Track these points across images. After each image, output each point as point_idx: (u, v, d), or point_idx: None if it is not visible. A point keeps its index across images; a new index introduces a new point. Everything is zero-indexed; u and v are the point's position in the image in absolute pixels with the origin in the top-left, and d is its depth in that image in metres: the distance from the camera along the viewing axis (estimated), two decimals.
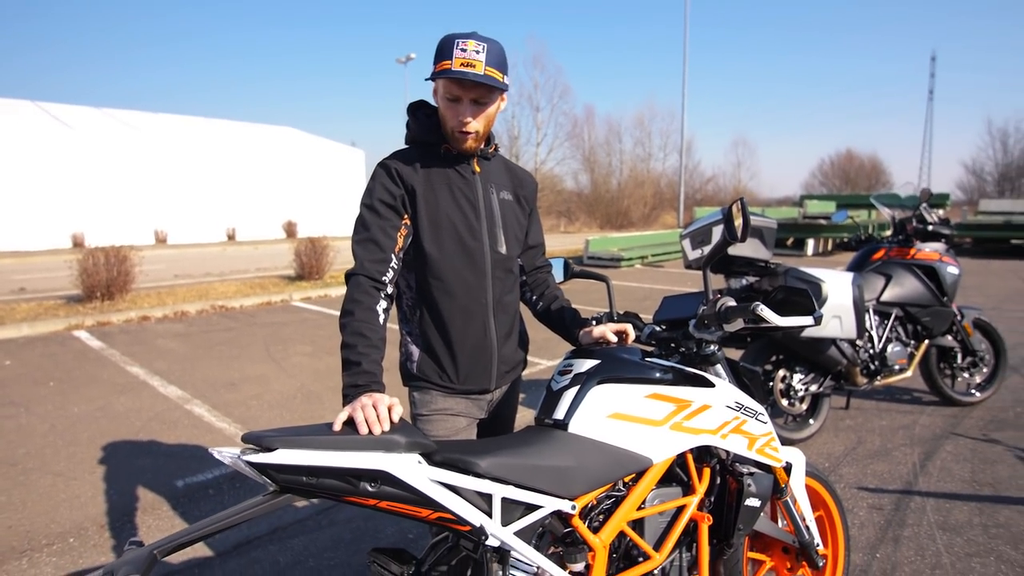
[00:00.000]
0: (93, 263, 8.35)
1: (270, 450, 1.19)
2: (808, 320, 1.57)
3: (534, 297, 1.99)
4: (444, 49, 1.56)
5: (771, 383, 3.76)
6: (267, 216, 27.11)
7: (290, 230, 26.80)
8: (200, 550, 2.70)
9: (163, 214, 24.00)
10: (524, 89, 39.65)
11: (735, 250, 3.19)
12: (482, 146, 1.74)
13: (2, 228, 20.20)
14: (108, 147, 22.98)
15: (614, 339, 1.73)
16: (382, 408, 1.32)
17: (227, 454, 1.21)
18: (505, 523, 1.34)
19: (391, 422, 1.31)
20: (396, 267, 1.64)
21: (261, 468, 1.19)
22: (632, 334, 1.78)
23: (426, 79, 1.64)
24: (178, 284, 10.92)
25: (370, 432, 1.27)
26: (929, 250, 4.34)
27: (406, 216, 1.68)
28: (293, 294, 9.74)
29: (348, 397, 1.42)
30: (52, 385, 5.14)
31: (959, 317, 4.34)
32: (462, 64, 1.54)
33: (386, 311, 1.61)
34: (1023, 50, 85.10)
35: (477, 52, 1.55)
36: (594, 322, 1.91)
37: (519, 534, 1.36)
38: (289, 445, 1.20)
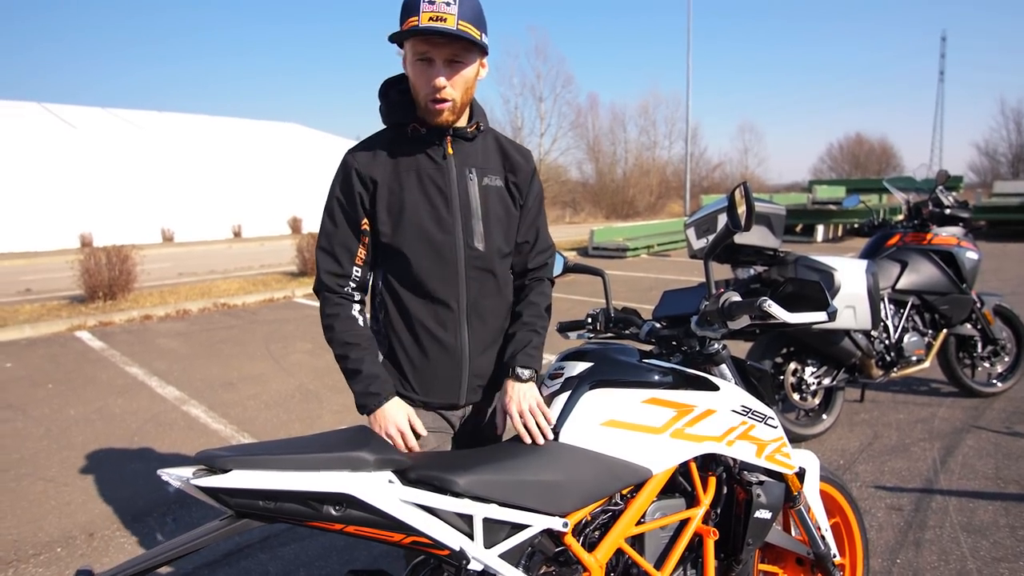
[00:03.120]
0: (95, 263, 8.32)
1: (224, 471, 1.08)
2: (821, 316, 1.43)
3: None
4: (410, 5, 1.37)
5: (782, 377, 3.62)
6: (273, 212, 27.12)
7: (295, 226, 26.74)
8: (186, 560, 2.61)
9: (170, 212, 24.08)
10: (527, 79, 39.59)
11: (742, 238, 3.04)
12: (460, 121, 1.52)
13: (11, 229, 20.38)
14: (114, 147, 23.07)
15: (518, 420, 1.44)
16: (409, 438, 1.46)
17: (176, 476, 1.09)
18: (488, 545, 1.23)
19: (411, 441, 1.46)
20: (359, 276, 1.56)
21: (213, 493, 1.08)
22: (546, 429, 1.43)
23: (390, 39, 1.44)
24: (181, 282, 10.87)
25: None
26: (946, 235, 4.17)
27: (364, 220, 1.53)
28: (295, 290, 9.66)
29: (365, 408, 1.48)
30: (50, 387, 5.08)
31: (979, 304, 4.17)
32: (431, 18, 1.34)
33: (362, 312, 1.58)
34: None
35: (448, 4, 1.35)
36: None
37: (505, 556, 1.25)
38: (244, 466, 1.09)
